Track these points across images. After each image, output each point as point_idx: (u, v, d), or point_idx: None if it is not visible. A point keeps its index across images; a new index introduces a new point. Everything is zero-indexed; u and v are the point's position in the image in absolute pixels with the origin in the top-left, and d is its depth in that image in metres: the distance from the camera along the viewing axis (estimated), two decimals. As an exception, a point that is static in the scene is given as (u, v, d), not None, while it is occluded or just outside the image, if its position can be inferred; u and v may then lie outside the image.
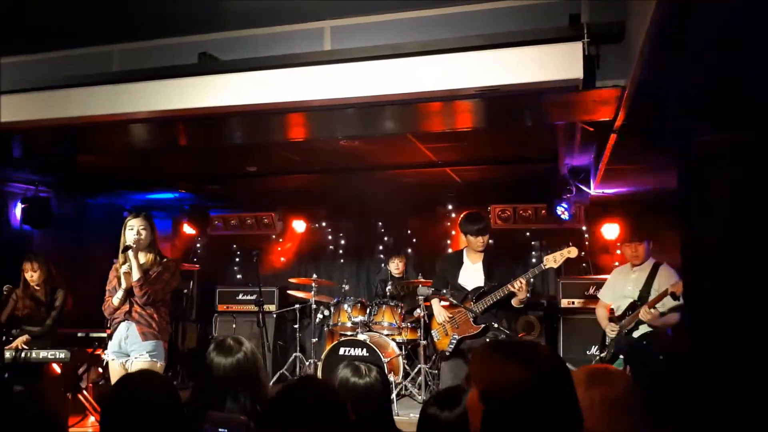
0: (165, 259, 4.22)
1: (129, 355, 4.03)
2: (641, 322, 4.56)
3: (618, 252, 6.59)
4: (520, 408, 1.57)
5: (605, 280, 5.43)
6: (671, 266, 4.72)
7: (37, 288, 5.55)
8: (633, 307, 4.65)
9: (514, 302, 4.65)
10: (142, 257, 4.14)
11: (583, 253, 5.55)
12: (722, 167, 3.11)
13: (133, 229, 4.11)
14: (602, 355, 4.78)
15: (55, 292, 5.62)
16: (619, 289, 4.87)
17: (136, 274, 4.02)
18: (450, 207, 7.65)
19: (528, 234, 7.48)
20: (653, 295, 4.57)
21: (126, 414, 1.92)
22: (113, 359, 4.08)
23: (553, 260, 4.62)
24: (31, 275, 5.52)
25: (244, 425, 2.18)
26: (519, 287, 4.50)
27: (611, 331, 4.72)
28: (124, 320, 4.07)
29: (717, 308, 3.04)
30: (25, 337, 5.42)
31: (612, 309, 4.91)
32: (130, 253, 4.04)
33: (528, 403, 1.57)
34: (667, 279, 4.59)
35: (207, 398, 2.50)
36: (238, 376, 2.53)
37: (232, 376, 2.53)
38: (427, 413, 2.11)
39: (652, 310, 4.42)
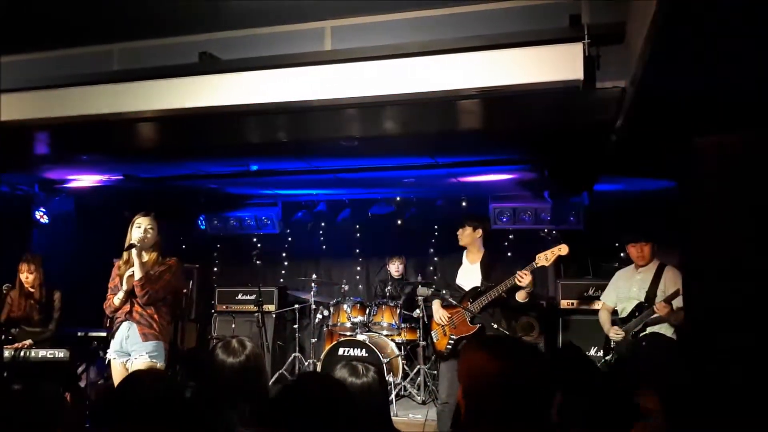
0: (168, 259, 4.22)
1: (130, 355, 4.04)
2: (648, 324, 4.54)
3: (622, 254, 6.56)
4: (498, 403, 1.58)
5: (604, 281, 5.42)
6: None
7: (32, 289, 5.53)
8: (640, 308, 4.63)
9: (519, 297, 4.59)
10: (146, 256, 4.13)
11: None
12: (722, 168, 3.11)
13: (140, 227, 4.12)
14: (607, 358, 4.76)
15: (51, 293, 5.60)
16: (623, 291, 4.84)
17: (137, 273, 4.02)
18: (449, 208, 7.64)
19: (528, 234, 7.47)
20: (660, 296, 4.56)
21: (127, 412, 1.91)
22: (115, 358, 4.10)
23: (544, 258, 4.62)
24: (27, 276, 5.49)
25: None
26: (523, 278, 4.46)
27: (615, 334, 4.70)
28: (125, 320, 4.08)
29: (718, 308, 3.04)
30: (29, 341, 5.39)
31: (615, 311, 4.89)
32: (134, 251, 4.04)
33: (505, 398, 1.58)
34: (673, 280, 4.57)
35: (206, 401, 2.47)
36: (238, 379, 2.50)
37: (232, 379, 2.50)
38: None
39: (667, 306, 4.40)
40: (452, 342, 4.73)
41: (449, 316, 4.81)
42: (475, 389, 1.64)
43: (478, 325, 4.66)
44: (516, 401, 1.58)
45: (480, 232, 4.86)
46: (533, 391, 1.60)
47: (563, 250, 4.60)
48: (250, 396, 2.44)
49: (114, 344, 4.10)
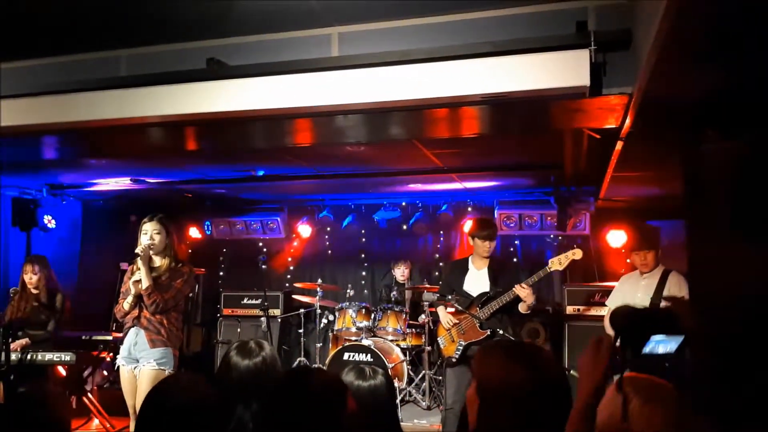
0: (180, 264, 4.13)
1: (138, 362, 3.99)
2: None
3: (628, 260, 6.55)
4: (513, 403, 1.59)
5: (610, 286, 5.42)
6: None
7: (36, 291, 5.54)
8: None
9: (521, 308, 4.64)
10: (157, 261, 4.07)
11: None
12: (728, 175, 3.11)
13: (147, 234, 4.04)
14: None
15: (54, 295, 5.61)
16: (628, 296, 4.83)
17: (145, 282, 3.95)
18: (455, 214, 7.64)
19: (533, 240, 7.48)
20: (664, 303, 4.55)
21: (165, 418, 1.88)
22: (123, 365, 4.05)
23: (558, 263, 4.64)
24: (31, 277, 5.50)
25: None
26: (523, 292, 4.50)
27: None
28: (133, 326, 4.03)
29: (723, 315, 3.03)
30: (24, 341, 5.39)
31: None
32: (139, 260, 3.97)
33: (521, 399, 1.59)
34: (677, 285, 4.56)
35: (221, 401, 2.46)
36: (252, 380, 2.49)
37: (247, 380, 2.49)
38: None
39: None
40: (461, 348, 4.73)
41: (456, 321, 4.81)
42: (491, 394, 1.64)
43: (487, 331, 4.65)
44: (533, 407, 1.59)
45: (494, 243, 4.91)
46: (550, 398, 1.61)
47: (577, 254, 4.62)
48: (261, 398, 2.44)
49: (123, 350, 4.06)
